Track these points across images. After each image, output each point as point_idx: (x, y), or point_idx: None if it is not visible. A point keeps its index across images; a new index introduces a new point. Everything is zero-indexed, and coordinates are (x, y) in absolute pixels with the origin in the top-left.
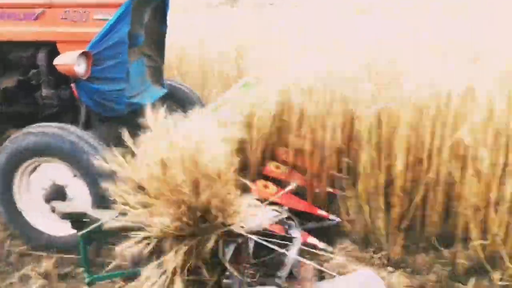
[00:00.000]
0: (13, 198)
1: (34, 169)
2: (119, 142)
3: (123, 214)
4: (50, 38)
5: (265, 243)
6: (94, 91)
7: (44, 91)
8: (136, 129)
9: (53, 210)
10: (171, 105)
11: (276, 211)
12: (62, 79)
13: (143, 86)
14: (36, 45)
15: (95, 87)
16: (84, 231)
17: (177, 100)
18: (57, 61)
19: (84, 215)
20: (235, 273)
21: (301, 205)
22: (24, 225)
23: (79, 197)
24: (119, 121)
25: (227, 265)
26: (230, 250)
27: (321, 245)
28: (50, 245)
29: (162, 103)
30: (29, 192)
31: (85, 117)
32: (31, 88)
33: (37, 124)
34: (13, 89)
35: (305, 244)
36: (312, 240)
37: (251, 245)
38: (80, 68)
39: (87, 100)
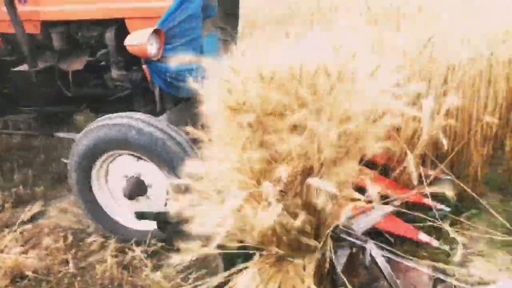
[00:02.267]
0: (93, 192)
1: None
2: (194, 124)
3: None
4: (118, 15)
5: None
6: (167, 72)
7: (114, 73)
8: None
9: (138, 218)
10: None
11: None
12: (133, 60)
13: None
14: (104, 23)
15: (167, 67)
16: None
17: None
18: (128, 41)
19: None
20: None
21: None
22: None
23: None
24: (193, 102)
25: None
26: (342, 257)
27: (435, 242)
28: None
29: None
30: (108, 186)
31: (159, 99)
32: (101, 70)
33: (125, 114)
34: (82, 72)
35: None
36: (423, 236)
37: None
38: (153, 48)
39: (159, 82)
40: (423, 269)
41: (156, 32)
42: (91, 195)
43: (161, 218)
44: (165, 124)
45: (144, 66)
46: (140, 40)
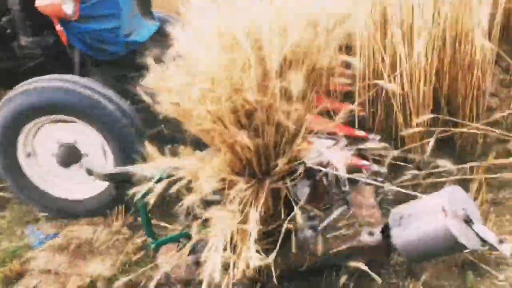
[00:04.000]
0: (20, 165)
1: (36, 131)
2: (117, 87)
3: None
4: None
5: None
6: (86, 33)
7: (23, 40)
8: (134, 71)
9: (89, 173)
10: (161, 41)
11: (332, 138)
12: (43, 24)
13: (134, 21)
14: None
15: (87, 27)
16: (142, 194)
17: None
18: (39, 1)
19: (130, 175)
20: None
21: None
22: (36, 192)
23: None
24: (115, 64)
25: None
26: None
27: (375, 167)
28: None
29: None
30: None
31: (79, 63)
32: (6, 38)
33: (37, 78)
34: None
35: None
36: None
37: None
38: (68, 7)
39: (79, 44)
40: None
41: None
42: (20, 172)
43: (121, 177)
44: (101, 85)
45: (59, 29)
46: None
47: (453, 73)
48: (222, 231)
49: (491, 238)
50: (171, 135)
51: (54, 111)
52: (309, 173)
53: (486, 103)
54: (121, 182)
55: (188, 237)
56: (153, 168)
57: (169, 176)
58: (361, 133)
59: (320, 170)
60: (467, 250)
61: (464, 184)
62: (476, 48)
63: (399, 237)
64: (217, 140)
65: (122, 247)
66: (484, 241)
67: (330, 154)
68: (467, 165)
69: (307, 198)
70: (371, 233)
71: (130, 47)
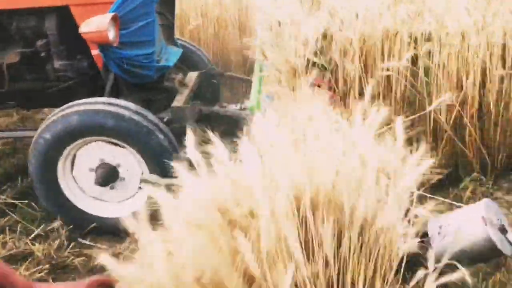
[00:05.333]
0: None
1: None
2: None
3: None
4: (61, 2)
5: None
6: (124, 58)
7: (57, 63)
8: (161, 93)
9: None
10: (180, 67)
11: None
12: (77, 48)
13: (161, 47)
14: (41, 11)
15: (124, 53)
16: None
17: (185, 61)
18: (84, 28)
19: None
20: None
21: None
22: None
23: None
24: (144, 87)
25: None
26: None
27: None
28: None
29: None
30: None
31: (112, 87)
32: (40, 61)
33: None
34: (18, 65)
35: None
36: None
37: None
38: (111, 34)
39: (115, 68)
40: None
41: (113, 17)
42: (59, 190)
43: None
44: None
45: (96, 54)
46: (99, 26)
47: None
48: None
49: None
50: None
51: (105, 134)
52: None
53: None
54: None
55: None
56: None
57: None
58: None
59: None
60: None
61: None
62: None
63: (438, 245)
64: None
65: None
66: None
67: None
68: None
69: None
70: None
71: (161, 72)
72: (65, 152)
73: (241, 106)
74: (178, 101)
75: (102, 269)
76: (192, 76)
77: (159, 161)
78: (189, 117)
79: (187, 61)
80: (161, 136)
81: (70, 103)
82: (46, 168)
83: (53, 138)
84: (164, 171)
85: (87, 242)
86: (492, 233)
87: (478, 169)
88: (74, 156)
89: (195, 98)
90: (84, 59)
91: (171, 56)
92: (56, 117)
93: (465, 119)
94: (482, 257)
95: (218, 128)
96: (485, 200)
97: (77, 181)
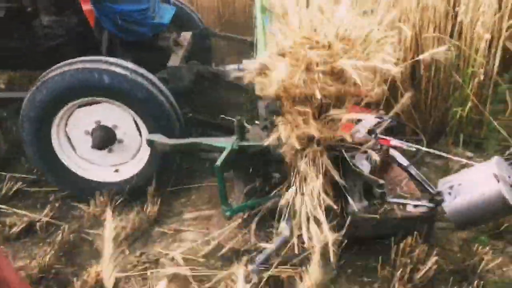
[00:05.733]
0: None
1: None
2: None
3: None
4: None
5: None
6: (118, 13)
7: (45, 19)
8: (157, 53)
9: (150, 144)
10: (171, 27)
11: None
12: (66, 3)
13: (155, 4)
14: None
15: (119, 7)
16: (220, 162)
17: (176, 21)
18: None
19: (197, 145)
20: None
21: None
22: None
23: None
24: (139, 46)
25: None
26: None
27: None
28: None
29: None
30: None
31: (106, 45)
32: (26, 17)
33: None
34: (2, 21)
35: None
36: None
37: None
38: None
39: (109, 25)
40: None
41: None
42: (54, 153)
43: (189, 147)
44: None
45: (87, 8)
46: None
47: None
48: None
49: None
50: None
51: (103, 94)
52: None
53: None
54: (187, 153)
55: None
56: (223, 141)
57: (240, 147)
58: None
59: (381, 145)
60: None
61: None
62: None
63: (450, 205)
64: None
65: None
66: None
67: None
68: None
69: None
70: (416, 205)
71: (157, 29)
72: (61, 112)
73: (239, 66)
74: (174, 61)
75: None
76: (186, 36)
77: (159, 122)
78: (186, 77)
79: (179, 20)
80: (161, 97)
81: (65, 61)
82: (39, 130)
83: (48, 98)
84: (165, 132)
85: (4, 207)
86: (505, 190)
87: (410, 133)
88: (69, 117)
89: (189, 58)
90: (74, 15)
91: (165, 13)
92: (52, 75)
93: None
94: (495, 215)
95: None
96: (496, 157)
97: (72, 142)
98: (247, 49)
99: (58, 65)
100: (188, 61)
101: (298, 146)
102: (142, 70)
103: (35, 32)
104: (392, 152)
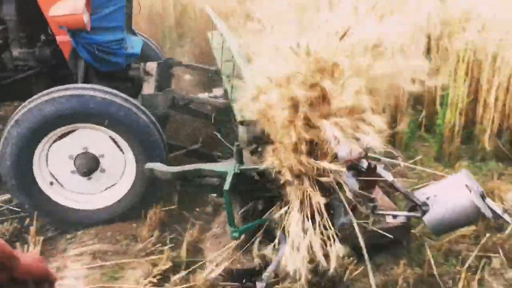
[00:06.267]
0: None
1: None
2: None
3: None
4: None
5: None
6: (95, 44)
7: (16, 51)
8: (129, 82)
9: (150, 172)
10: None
11: None
12: (37, 35)
13: (127, 35)
14: None
15: (96, 38)
16: (228, 185)
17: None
18: (55, 12)
19: (199, 171)
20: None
21: None
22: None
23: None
24: (114, 76)
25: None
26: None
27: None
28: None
29: None
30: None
31: (83, 75)
32: None
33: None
34: None
35: None
36: None
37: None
38: (86, 18)
39: (86, 55)
40: None
41: (86, 1)
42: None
43: (192, 174)
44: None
45: (62, 40)
46: (74, 9)
47: None
48: None
49: (498, 209)
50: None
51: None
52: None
53: None
54: (190, 179)
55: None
56: (222, 166)
57: (241, 170)
58: None
59: (370, 163)
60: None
61: None
62: None
63: (428, 214)
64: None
65: None
66: (494, 212)
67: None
68: None
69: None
70: (394, 216)
71: (130, 59)
72: (42, 143)
73: (209, 94)
74: (147, 89)
75: None
76: (153, 66)
77: (145, 145)
78: (161, 104)
79: (143, 51)
80: (146, 120)
81: (47, 90)
82: (20, 162)
83: (29, 130)
84: (151, 156)
85: None
86: (476, 199)
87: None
88: (51, 146)
89: (160, 87)
90: (46, 47)
91: (135, 44)
92: (33, 105)
93: None
94: (468, 221)
95: None
96: (463, 170)
97: (53, 173)
98: (211, 78)
99: (38, 94)
100: (161, 89)
101: (290, 178)
102: (124, 95)
103: (5, 65)
104: (378, 169)
